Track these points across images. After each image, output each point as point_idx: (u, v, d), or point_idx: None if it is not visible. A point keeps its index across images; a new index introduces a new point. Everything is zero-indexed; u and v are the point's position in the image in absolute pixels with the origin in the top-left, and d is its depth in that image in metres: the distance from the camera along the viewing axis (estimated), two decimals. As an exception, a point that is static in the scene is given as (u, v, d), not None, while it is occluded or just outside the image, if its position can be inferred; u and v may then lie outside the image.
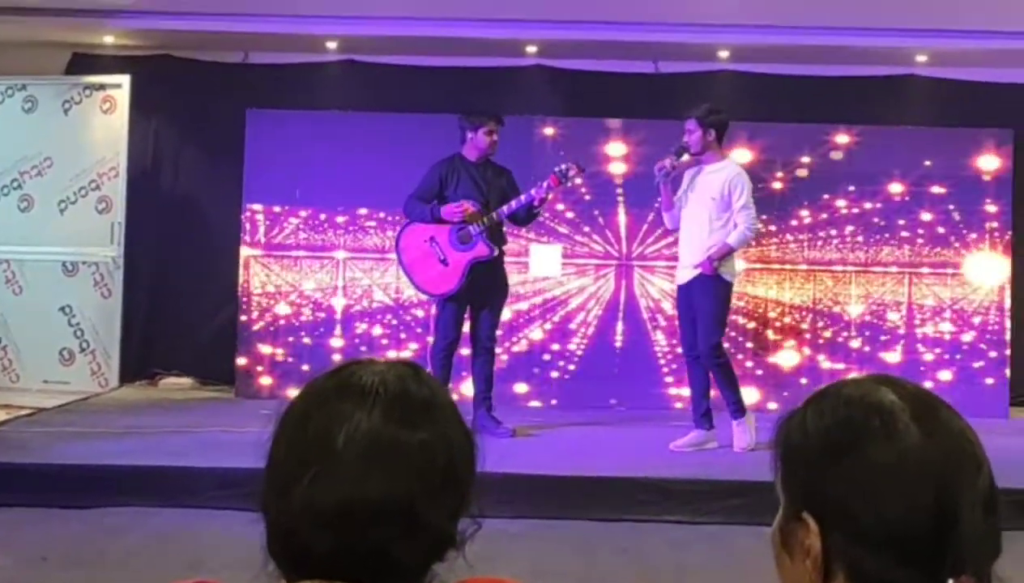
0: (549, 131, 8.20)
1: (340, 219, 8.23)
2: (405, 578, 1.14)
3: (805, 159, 8.13)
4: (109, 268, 8.41)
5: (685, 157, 6.60)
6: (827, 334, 8.17)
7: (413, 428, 1.13)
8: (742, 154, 7.80)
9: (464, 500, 1.19)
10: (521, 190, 6.75)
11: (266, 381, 7.99)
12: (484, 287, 6.75)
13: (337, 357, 7.73)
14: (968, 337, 8.11)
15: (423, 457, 1.13)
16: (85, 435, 6.66)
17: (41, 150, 8.49)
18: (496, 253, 6.70)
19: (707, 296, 6.47)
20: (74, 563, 4.79)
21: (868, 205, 8.15)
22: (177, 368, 8.52)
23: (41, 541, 5.15)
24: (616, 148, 8.21)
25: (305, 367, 7.94)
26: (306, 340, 8.19)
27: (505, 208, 6.63)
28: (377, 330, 8.19)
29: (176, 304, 8.50)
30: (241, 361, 8.15)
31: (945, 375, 8.04)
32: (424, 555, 1.15)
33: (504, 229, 6.92)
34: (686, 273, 6.58)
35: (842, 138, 8.16)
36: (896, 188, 8.14)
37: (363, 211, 8.20)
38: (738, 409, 6.52)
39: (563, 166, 6.67)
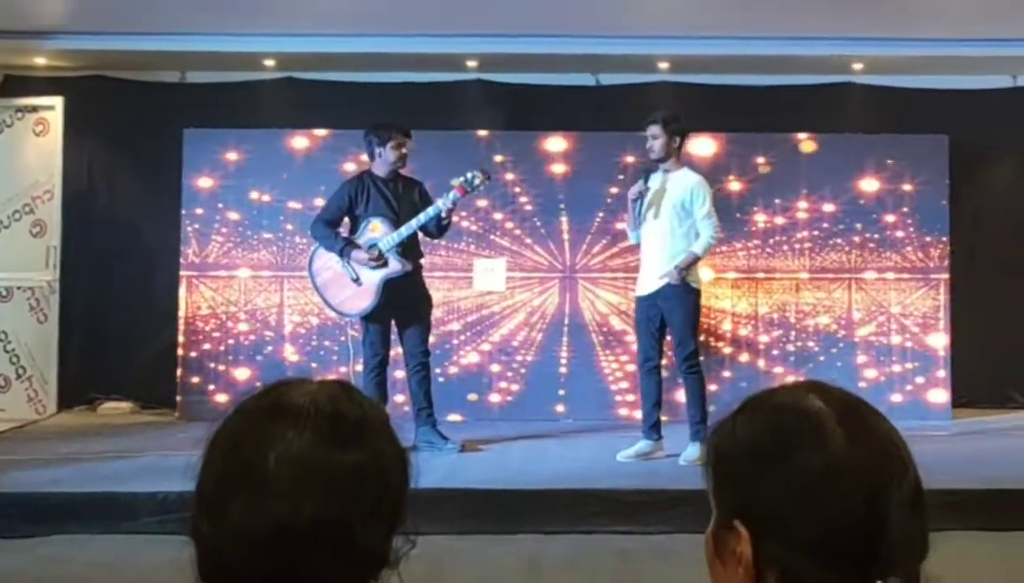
0: (490, 145, 8.18)
1: (279, 237, 8.15)
2: None
3: (742, 168, 8.17)
4: (45, 292, 8.27)
5: (653, 178, 6.55)
6: (764, 339, 8.21)
7: (345, 448, 1.12)
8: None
9: (398, 518, 1.17)
10: (435, 200, 6.66)
11: (208, 402, 7.88)
12: (404, 303, 6.68)
13: (283, 375, 7.63)
14: (909, 342, 8.19)
15: (357, 478, 1.12)
16: (21, 463, 6.51)
17: (-27, 174, 8.33)
18: (409, 268, 6.64)
19: (679, 305, 6.45)
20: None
21: (806, 214, 8.21)
22: (117, 392, 8.38)
23: (-23, 573, 5.03)
24: (557, 160, 8.21)
25: (246, 387, 7.83)
26: (247, 360, 8.10)
27: (413, 222, 6.56)
28: (321, 347, 8.11)
29: (115, 327, 8.37)
30: (181, 383, 8.04)
31: (887, 380, 8.11)
32: (359, 577, 1.13)
33: (419, 243, 6.83)
34: (650, 283, 6.54)
35: (781, 146, 8.22)
36: (833, 196, 8.20)
37: (306, 230, 8.12)
38: (699, 432, 6.38)
39: (468, 175, 6.61)
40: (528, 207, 8.19)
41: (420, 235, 6.77)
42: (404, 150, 6.66)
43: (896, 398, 7.98)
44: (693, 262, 6.47)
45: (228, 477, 1.12)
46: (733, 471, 1.15)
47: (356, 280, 6.65)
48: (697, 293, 6.57)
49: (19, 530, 5.56)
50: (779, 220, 8.21)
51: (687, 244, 6.46)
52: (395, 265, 6.60)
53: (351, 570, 1.12)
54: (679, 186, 6.51)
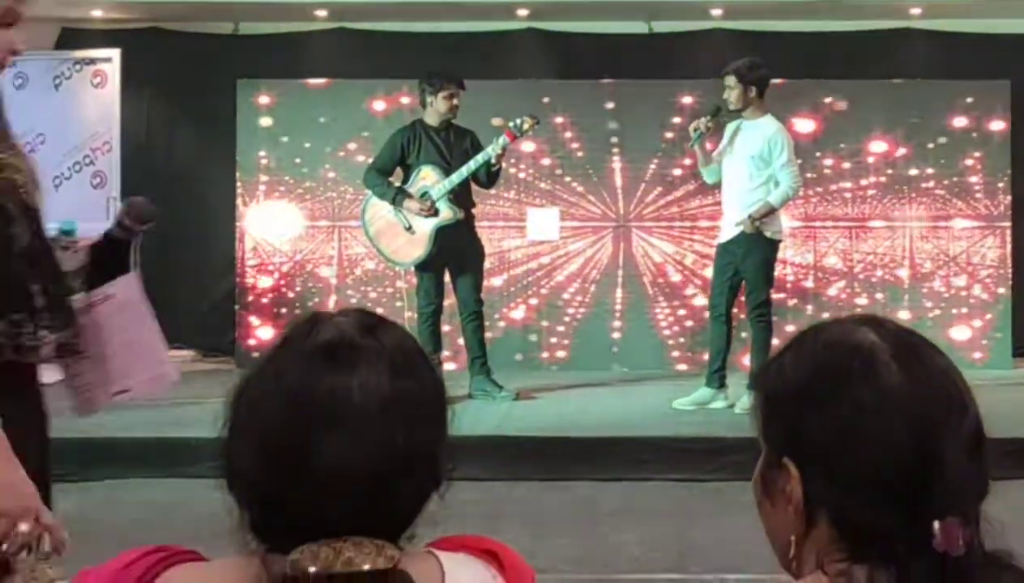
0: (542, 94, 8.14)
1: (332, 187, 8.20)
2: (406, 524, 1.14)
3: (799, 116, 8.06)
4: (106, 243, 8.38)
5: (720, 116, 6.54)
6: (831, 291, 8.14)
7: (415, 377, 1.14)
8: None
9: (444, 439, 1.18)
10: (486, 148, 6.63)
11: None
12: (457, 251, 6.70)
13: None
14: (971, 290, 8.08)
15: (428, 403, 1.14)
16: (86, 409, 6.65)
17: (33, 126, 8.43)
18: (461, 216, 6.64)
19: (752, 254, 6.44)
20: (76, 536, 4.77)
21: (863, 161, 8.10)
22: (178, 341, 8.48)
23: (43, 514, 5.15)
24: (610, 109, 8.16)
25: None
26: (302, 309, 8.17)
27: (463, 169, 6.56)
28: (373, 296, 8.18)
29: (174, 276, 8.47)
30: (239, 332, 8.15)
31: (950, 329, 8.01)
32: (426, 497, 1.15)
33: (471, 191, 6.83)
34: (728, 231, 6.54)
35: (838, 93, 8.10)
36: (894, 144, 8.08)
37: (357, 180, 8.16)
38: None
39: (517, 120, 6.61)
40: (580, 154, 8.15)
41: (472, 185, 6.78)
42: (455, 101, 6.65)
43: (959, 346, 7.88)
44: (768, 212, 6.40)
45: (303, 421, 1.09)
46: (782, 409, 1.13)
47: (409, 229, 6.68)
48: (773, 244, 6.52)
49: (82, 474, 5.69)
50: (841, 167, 8.10)
51: (765, 193, 6.40)
52: (447, 213, 6.61)
53: (424, 492, 1.14)
54: (757, 135, 6.44)
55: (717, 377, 6.60)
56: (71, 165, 8.44)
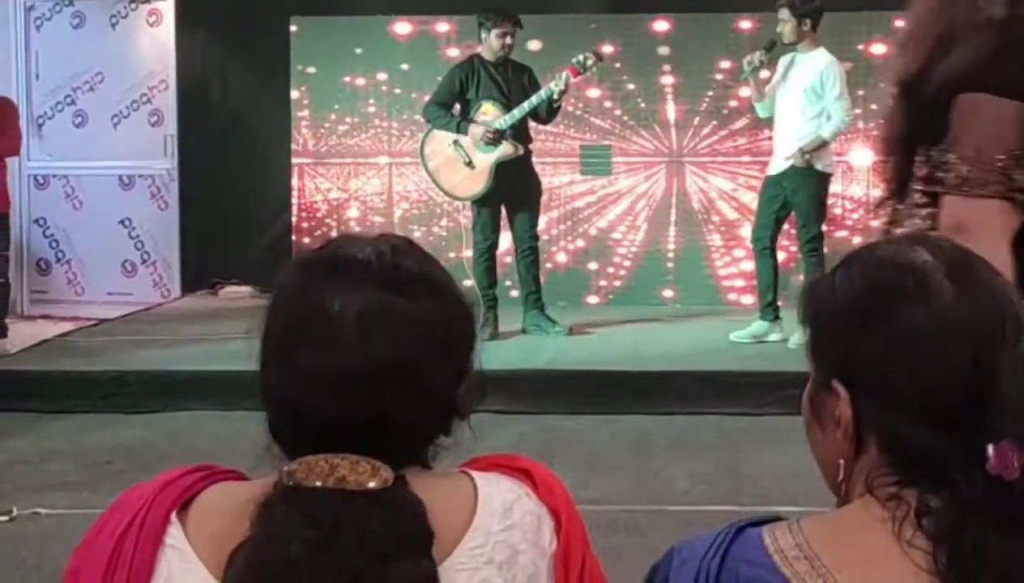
0: (594, 27, 8.06)
1: (386, 124, 8.22)
2: (407, 447, 1.14)
3: (847, 48, 7.87)
4: (164, 180, 8.51)
5: (774, 50, 6.52)
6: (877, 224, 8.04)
7: (406, 296, 1.14)
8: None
9: (464, 368, 1.18)
10: (543, 84, 6.62)
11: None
12: (515, 187, 6.69)
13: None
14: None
15: (420, 322, 1.13)
16: (148, 343, 6.81)
17: (91, 65, 8.55)
18: (521, 151, 6.64)
19: (803, 188, 6.44)
20: (137, 466, 4.92)
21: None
22: (236, 277, 8.64)
23: (105, 446, 5.30)
24: (663, 41, 8.06)
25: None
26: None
27: (526, 104, 6.54)
28: (431, 235, 8.22)
29: (232, 214, 8.58)
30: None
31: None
32: (425, 421, 1.15)
33: (529, 127, 6.81)
34: (778, 164, 6.53)
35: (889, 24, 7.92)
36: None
37: (408, 115, 8.18)
38: None
39: (581, 56, 6.57)
40: (631, 87, 8.06)
41: (529, 121, 6.76)
42: (508, 40, 6.61)
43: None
44: (820, 146, 6.38)
45: (294, 325, 1.13)
46: (832, 329, 1.10)
47: (469, 164, 6.69)
48: (824, 177, 6.52)
49: (146, 405, 5.85)
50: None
51: (816, 127, 6.38)
52: (508, 148, 6.61)
53: (420, 413, 1.13)
54: (810, 68, 6.41)
55: (771, 310, 6.62)
56: (129, 104, 8.53)
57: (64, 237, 8.67)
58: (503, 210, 6.80)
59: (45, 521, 4.31)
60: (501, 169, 6.62)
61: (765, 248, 6.60)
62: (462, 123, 6.65)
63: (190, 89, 8.52)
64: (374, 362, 1.10)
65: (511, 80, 6.66)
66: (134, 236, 8.58)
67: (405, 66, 8.15)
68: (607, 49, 7.87)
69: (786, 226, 6.78)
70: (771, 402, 5.68)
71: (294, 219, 8.36)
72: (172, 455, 5.14)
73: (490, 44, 6.62)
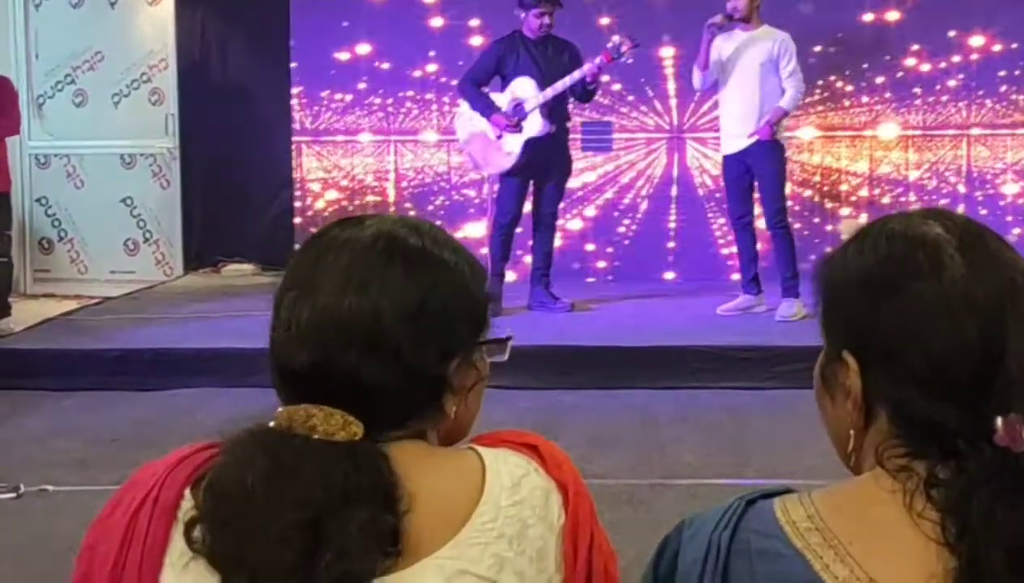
0: (595, 2, 8.03)
1: (387, 102, 8.20)
2: (386, 411, 1.15)
3: (846, 24, 7.86)
4: (166, 159, 8.50)
5: (733, 36, 6.54)
6: (885, 200, 8.05)
7: (390, 264, 1.16)
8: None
9: (454, 345, 1.18)
10: (584, 63, 6.62)
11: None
12: (545, 164, 6.71)
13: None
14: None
15: (394, 287, 1.15)
16: (152, 321, 6.83)
17: (91, 45, 8.53)
18: (552, 129, 6.64)
19: (769, 162, 6.51)
20: (143, 444, 4.94)
21: (929, 66, 7.92)
22: (238, 255, 8.65)
23: (111, 423, 5.33)
24: (663, 16, 8.02)
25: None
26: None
27: (559, 83, 6.55)
28: (425, 215, 8.21)
29: (234, 192, 8.58)
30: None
31: (1010, 239, 7.88)
32: (399, 384, 1.15)
33: (568, 105, 6.82)
34: (736, 142, 6.56)
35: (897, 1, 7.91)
36: (947, 51, 7.87)
37: (410, 93, 8.17)
38: (792, 287, 6.52)
39: (616, 39, 6.58)
40: (631, 63, 8.03)
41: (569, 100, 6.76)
42: (546, 20, 6.59)
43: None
44: (782, 117, 6.51)
45: (286, 285, 1.18)
46: (843, 302, 1.10)
47: (500, 138, 6.70)
48: (783, 148, 6.64)
49: (151, 383, 5.87)
50: (894, 76, 7.95)
51: (774, 101, 6.45)
52: (538, 126, 6.61)
53: (389, 377, 1.14)
54: (766, 44, 6.48)
55: (755, 283, 6.70)
56: (129, 83, 8.52)
57: (66, 216, 8.67)
58: (531, 187, 6.81)
59: (52, 498, 4.34)
60: (532, 145, 6.62)
61: (747, 223, 6.69)
62: (487, 109, 6.65)
63: (190, 68, 8.51)
64: (339, 313, 1.14)
65: (550, 58, 6.66)
66: (136, 215, 8.58)
67: (406, 42, 8.12)
68: (604, 21, 7.86)
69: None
70: (773, 376, 5.71)
71: (295, 197, 8.35)
72: (177, 432, 5.16)
73: (528, 24, 6.64)
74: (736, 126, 6.56)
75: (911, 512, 1.02)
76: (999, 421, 1.01)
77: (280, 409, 1.14)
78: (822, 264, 1.15)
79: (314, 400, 1.12)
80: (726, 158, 6.73)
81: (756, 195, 6.70)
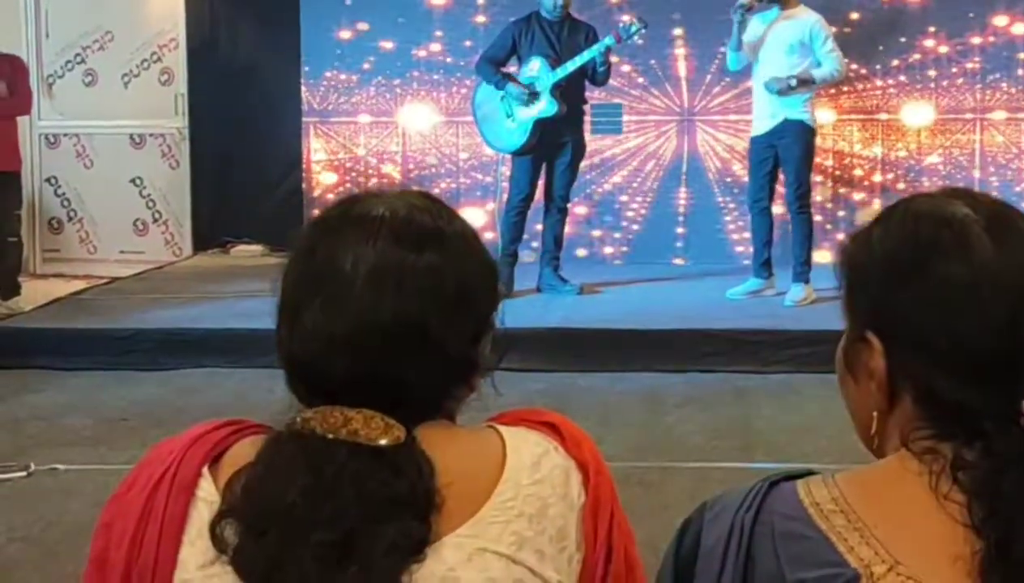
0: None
1: (397, 83, 8.19)
2: (423, 404, 1.14)
3: (863, 5, 7.81)
4: (175, 139, 8.50)
5: (765, 15, 6.49)
6: (900, 185, 8.02)
7: (419, 251, 1.13)
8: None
9: (483, 325, 1.18)
10: None
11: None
12: (557, 145, 6.71)
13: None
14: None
15: (432, 279, 1.12)
16: (163, 301, 6.84)
17: (101, 24, 8.51)
18: (563, 111, 6.62)
19: (796, 144, 6.45)
20: (153, 423, 4.96)
21: (947, 48, 7.87)
22: (247, 236, 8.65)
23: (121, 402, 5.35)
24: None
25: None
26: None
27: (569, 63, 6.53)
28: (437, 193, 8.20)
29: (243, 173, 8.58)
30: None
31: None
32: (440, 377, 1.15)
33: (584, 88, 6.79)
34: (766, 123, 6.51)
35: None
36: (959, 35, 7.82)
37: (417, 73, 8.15)
38: (804, 273, 6.51)
39: (626, 18, 6.58)
40: (641, 43, 7.98)
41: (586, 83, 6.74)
42: (561, 0, 6.58)
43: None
44: (807, 81, 6.36)
45: (303, 282, 1.13)
46: (868, 282, 1.09)
47: (511, 117, 6.70)
48: (813, 132, 6.56)
49: (161, 363, 5.89)
50: (909, 58, 7.90)
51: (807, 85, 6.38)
52: (548, 105, 6.60)
53: (433, 371, 1.13)
54: (797, 26, 6.42)
55: (766, 267, 6.68)
56: (139, 63, 8.51)
57: (76, 196, 8.68)
58: (544, 168, 6.81)
59: (63, 477, 4.35)
60: (542, 125, 6.62)
61: (764, 208, 6.65)
62: (501, 81, 6.67)
63: (200, 47, 8.50)
64: (382, 320, 1.10)
65: (565, 39, 6.65)
66: (145, 195, 8.59)
67: (416, 24, 8.10)
68: (614, 0, 7.83)
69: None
70: (781, 360, 5.72)
71: (304, 178, 8.35)
72: (187, 411, 5.17)
73: (543, 3, 6.64)
74: (764, 108, 6.51)
75: (937, 494, 1.02)
76: None
77: (309, 411, 1.10)
78: (846, 243, 1.14)
79: (348, 403, 1.10)
80: (753, 140, 6.68)
81: (781, 178, 6.64)
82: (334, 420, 1.09)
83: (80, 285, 7.75)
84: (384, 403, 1.10)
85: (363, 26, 8.15)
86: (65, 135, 8.64)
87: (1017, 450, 1.01)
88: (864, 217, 7.71)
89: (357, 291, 1.11)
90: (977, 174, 7.95)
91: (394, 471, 1.07)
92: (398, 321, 1.10)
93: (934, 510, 1.02)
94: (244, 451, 1.15)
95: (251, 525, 1.07)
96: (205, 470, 1.14)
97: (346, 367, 1.10)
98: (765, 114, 6.51)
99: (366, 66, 8.20)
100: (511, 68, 6.82)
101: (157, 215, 8.59)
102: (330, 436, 1.08)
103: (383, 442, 1.08)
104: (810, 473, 1.10)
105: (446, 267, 1.14)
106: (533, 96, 6.57)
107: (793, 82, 6.32)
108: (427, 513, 1.07)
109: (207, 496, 1.13)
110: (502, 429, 1.19)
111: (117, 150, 8.53)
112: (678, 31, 7.99)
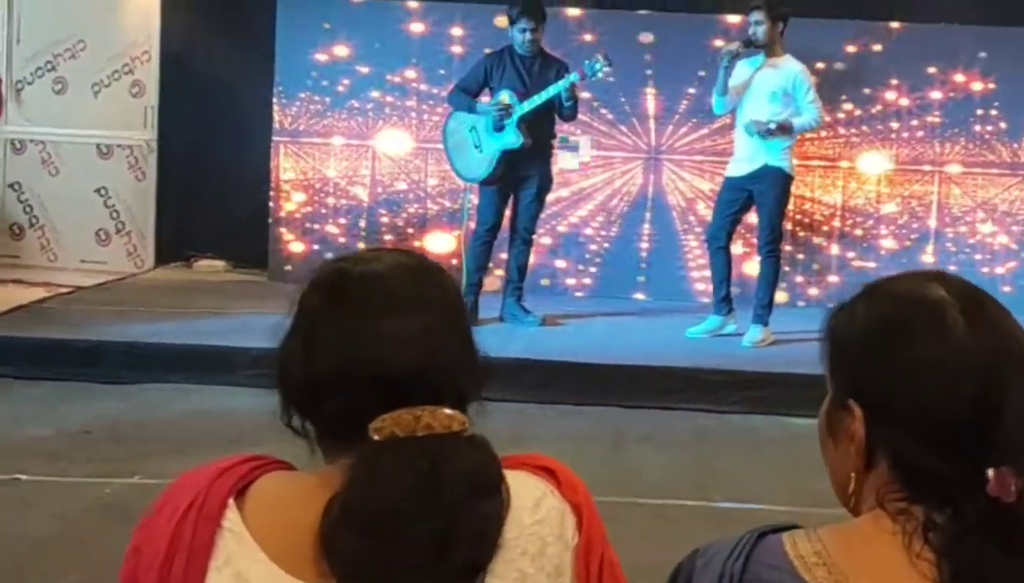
0: (579, 23, 8.11)
1: (369, 106, 8.23)
2: (457, 402, 1.25)
3: (830, 53, 7.97)
4: (143, 151, 8.49)
5: (749, 49, 6.62)
6: (858, 232, 8.16)
7: (427, 279, 1.31)
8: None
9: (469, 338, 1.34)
10: None
11: (296, 266, 8.08)
12: (522, 177, 6.83)
13: (361, 246, 7.75)
14: (1003, 239, 8.08)
15: (446, 296, 1.32)
16: (126, 314, 6.82)
17: (74, 32, 8.50)
18: (527, 143, 6.72)
19: (773, 189, 6.58)
20: (115, 437, 4.96)
21: (892, 105, 8.05)
22: (211, 251, 8.65)
23: (82, 415, 5.33)
24: (646, 39, 8.11)
25: (337, 250, 8.02)
26: (334, 227, 8.28)
27: (537, 97, 6.63)
28: (400, 220, 8.26)
29: (209, 188, 8.58)
30: (271, 245, 8.26)
31: (979, 277, 8.01)
32: (468, 373, 1.30)
33: (552, 121, 6.89)
34: (744, 166, 6.64)
35: (868, 34, 8.02)
36: (918, 88, 8.00)
37: (391, 98, 8.21)
38: (763, 315, 6.64)
39: (592, 59, 6.69)
40: (612, 80, 8.08)
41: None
42: (529, 36, 6.68)
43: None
44: (787, 130, 6.50)
45: (322, 335, 1.27)
46: (850, 354, 1.19)
47: (479, 147, 6.80)
48: (790, 180, 6.71)
49: (123, 377, 5.88)
50: (872, 109, 8.07)
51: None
52: (513, 137, 6.70)
53: (465, 362, 1.29)
54: (782, 74, 6.55)
55: (725, 304, 6.80)
56: (110, 73, 8.49)
57: (39, 203, 8.63)
58: (511, 199, 6.92)
59: (24, 487, 4.34)
60: (508, 157, 6.72)
61: (721, 247, 6.77)
62: (473, 103, 6.84)
63: (173, 61, 8.50)
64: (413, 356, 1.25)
65: (536, 74, 6.76)
66: (110, 205, 8.56)
67: (391, 47, 8.16)
68: (587, 38, 7.95)
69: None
70: (737, 400, 5.82)
71: (271, 196, 8.36)
72: (150, 428, 5.19)
73: (514, 38, 6.76)
74: (745, 152, 6.64)
75: (909, 552, 1.10)
76: (991, 473, 1.09)
77: (380, 420, 1.18)
78: (832, 316, 1.24)
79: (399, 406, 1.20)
80: (728, 179, 6.80)
81: (753, 219, 6.82)
82: (406, 421, 1.18)
83: (39, 293, 7.69)
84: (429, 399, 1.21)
85: (340, 50, 8.20)
86: (32, 141, 8.60)
87: (981, 516, 1.09)
88: (821, 262, 7.93)
89: (389, 327, 1.25)
90: (933, 224, 8.13)
91: (475, 449, 1.19)
92: (428, 354, 1.26)
93: (906, 567, 1.10)
94: (270, 485, 1.22)
95: (360, 535, 1.14)
96: (231, 501, 1.20)
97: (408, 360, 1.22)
98: (744, 157, 6.65)
99: (340, 89, 8.24)
100: (483, 99, 6.93)
101: (120, 226, 8.56)
102: (419, 434, 1.17)
103: (456, 428, 1.19)
104: (794, 526, 1.18)
105: (446, 290, 1.32)
106: (507, 109, 6.65)
107: (772, 126, 6.45)
108: (500, 485, 1.19)
109: (233, 526, 1.19)
110: (503, 471, 1.26)
111: (84, 159, 8.50)
112: (649, 71, 8.11)
